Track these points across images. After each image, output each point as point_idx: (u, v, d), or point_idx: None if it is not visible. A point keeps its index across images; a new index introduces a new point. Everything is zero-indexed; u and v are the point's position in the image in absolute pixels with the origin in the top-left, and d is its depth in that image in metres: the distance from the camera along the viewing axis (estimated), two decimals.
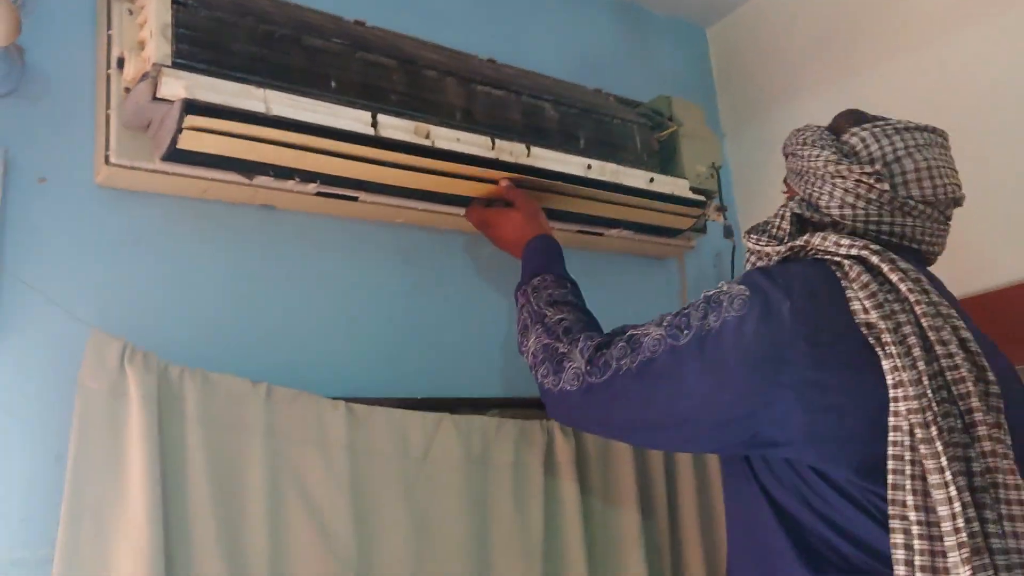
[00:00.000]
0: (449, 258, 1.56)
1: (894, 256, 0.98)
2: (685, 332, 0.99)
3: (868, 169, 1.03)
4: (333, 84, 1.29)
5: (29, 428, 1.08)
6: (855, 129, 1.09)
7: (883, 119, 1.10)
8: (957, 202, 1.09)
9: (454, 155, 1.35)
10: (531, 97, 1.54)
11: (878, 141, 1.06)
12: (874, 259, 0.97)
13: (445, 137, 1.35)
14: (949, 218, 1.09)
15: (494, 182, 1.41)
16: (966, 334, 0.94)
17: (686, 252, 1.90)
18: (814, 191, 1.08)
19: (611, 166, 1.56)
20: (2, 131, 1.15)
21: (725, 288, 1.00)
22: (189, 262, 1.27)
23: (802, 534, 0.95)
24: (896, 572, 0.85)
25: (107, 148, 1.17)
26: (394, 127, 1.30)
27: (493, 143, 1.41)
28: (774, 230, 1.09)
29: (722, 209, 1.78)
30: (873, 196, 1.04)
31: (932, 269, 1.10)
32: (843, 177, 1.05)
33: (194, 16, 1.17)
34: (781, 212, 1.11)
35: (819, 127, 1.13)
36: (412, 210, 1.44)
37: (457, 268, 1.56)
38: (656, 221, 1.69)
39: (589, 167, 1.52)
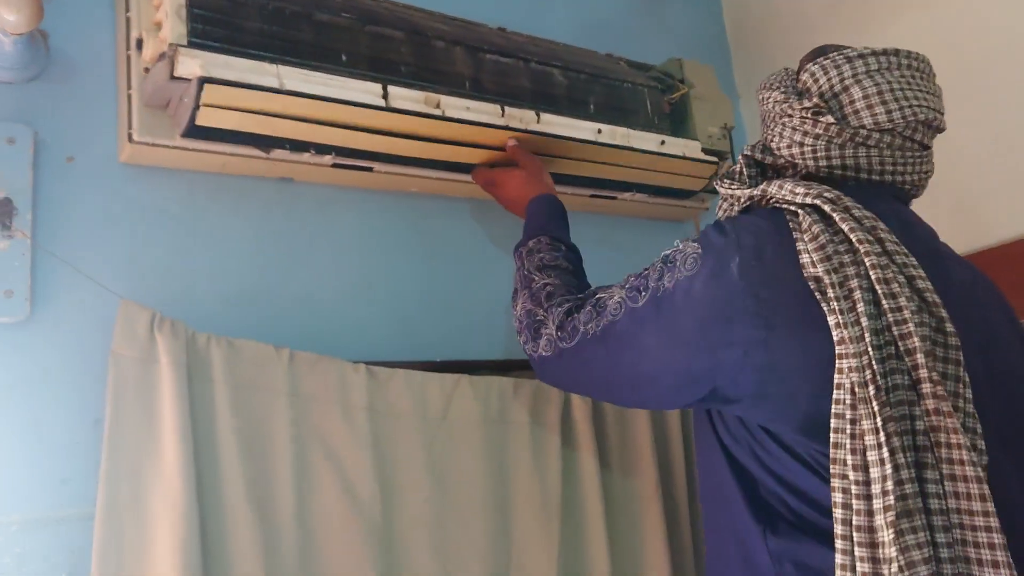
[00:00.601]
0: (463, 224, 1.59)
1: (849, 203, 0.94)
2: (643, 294, 1.00)
3: (807, 103, 1.00)
4: (344, 58, 1.32)
5: (67, 395, 1.14)
6: (808, 65, 1.05)
7: (841, 49, 1.04)
8: (932, 126, 1.02)
9: (464, 123, 1.38)
10: (540, 64, 1.56)
11: (826, 73, 1.01)
12: (826, 207, 0.93)
13: (455, 106, 1.38)
14: (926, 145, 1.03)
15: (504, 150, 1.44)
16: (923, 283, 0.90)
17: (701, 214, 1.92)
18: (768, 134, 1.06)
19: (621, 130, 1.58)
20: (31, 113, 1.20)
21: (680, 247, 1.00)
22: (211, 234, 1.32)
23: (755, 488, 0.97)
24: (835, 531, 0.84)
25: (129, 127, 1.22)
26: (404, 98, 1.33)
27: (503, 111, 1.44)
28: (738, 176, 1.07)
29: None
30: (820, 131, 0.99)
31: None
32: (789, 116, 1.02)
33: None
34: (740, 161, 1.09)
35: (786, 69, 1.10)
36: (425, 179, 1.48)
37: (471, 234, 1.60)
38: (669, 183, 1.71)
39: (599, 131, 1.54)
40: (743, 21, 2.22)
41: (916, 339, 0.86)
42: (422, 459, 1.33)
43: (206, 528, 1.13)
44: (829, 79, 1.01)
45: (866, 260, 0.90)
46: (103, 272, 1.20)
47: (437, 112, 1.36)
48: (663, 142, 1.65)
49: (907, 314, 0.87)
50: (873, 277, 0.89)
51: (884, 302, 0.88)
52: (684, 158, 1.68)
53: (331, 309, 1.41)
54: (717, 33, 2.24)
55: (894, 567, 0.79)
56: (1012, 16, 1.67)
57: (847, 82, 1.00)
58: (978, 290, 1.01)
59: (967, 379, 0.87)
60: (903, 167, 1.02)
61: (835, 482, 0.85)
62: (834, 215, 0.93)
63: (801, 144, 1.01)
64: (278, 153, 1.30)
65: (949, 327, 0.88)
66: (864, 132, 0.98)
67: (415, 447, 1.32)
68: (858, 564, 0.82)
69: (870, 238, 0.91)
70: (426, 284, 1.52)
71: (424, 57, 1.41)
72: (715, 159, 1.74)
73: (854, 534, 0.83)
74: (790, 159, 1.03)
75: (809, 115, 0.99)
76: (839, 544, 0.84)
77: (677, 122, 1.76)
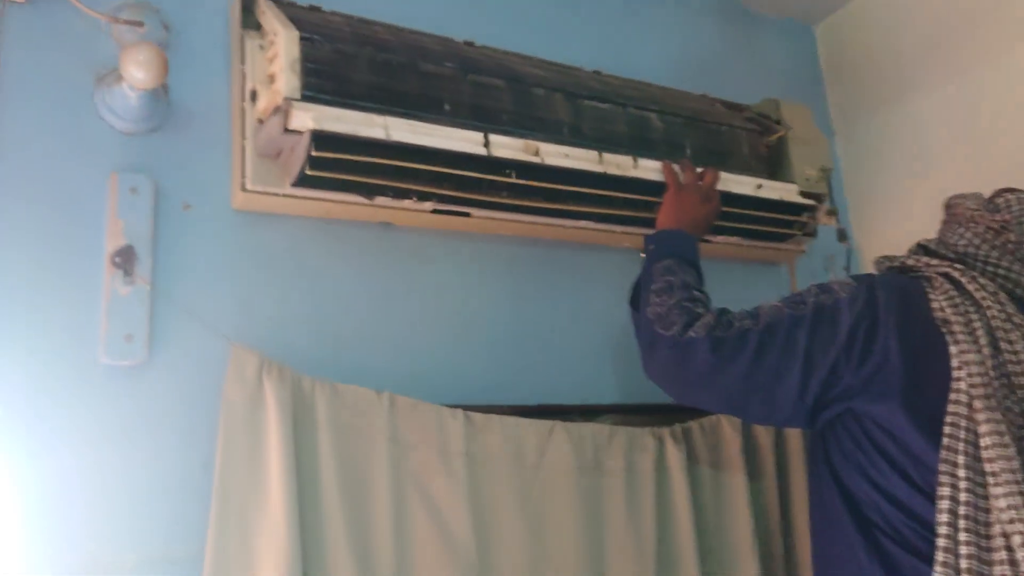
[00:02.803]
0: (557, 268, 1.60)
1: (976, 275, 1.14)
2: (802, 307, 1.16)
3: (998, 217, 1.19)
4: (447, 107, 1.34)
5: (179, 437, 1.18)
6: (1005, 194, 1.25)
7: None
8: None
9: (563, 171, 1.39)
10: (637, 108, 1.56)
11: (1020, 204, 1.22)
12: (956, 274, 1.15)
13: (554, 153, 1.40)
14: None
15: (603, 196, 1.44)
16: None
17: (797, 257, 1.88)
18: (948, 231, 1.25)
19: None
20: (152, 163, 1.26)
21: (834, 279, 1.21)
22: (315, 278, 1.35)
23: (859, 506, 1.10)
24: (939, 519, 1.00)
25: (243, 176, 1.26)
26: (505, 146, 1.35)
27: (600, 157, 1.44)
28: (900, 258, 1.26)
29: (833, 212, 1.75)
30: (998, 243, 1.18)
31: None
32: (975, 222, 1.21)
33: (319, 50, 1.25)
34: (912, 247, 1.28)
35: (980, 193, 1.28)
36: (522, 223, 1.49)
37: (564, 278, 1.60)
38: (765, 227, 1.68)
39: None
40: (838, 58, 2.18)
41: None
42: (517, 505, 1.33)
43: (308, 570, 1.15)
44: (1022, 208, 1.21)
45: (987, 312, 1.09)
46: (215, 316, 1.24)
47: (536, 160, 1.37)
48: (760, 186, 1.63)
49: (1023, 357, 1.06)
50: (993, 325, 1.08)
51: (1002, 345, 1.07)
52: (781, 202, 1.65)
53: (428, 352, 1.42)
54: (811, 70, 2.20)
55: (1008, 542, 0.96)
56: None
57: None
58: None
59: None
60: None
61: (944, 478, 1.00)
62: (962, 279, 1.13)
63: (978, 247, 1.19)
64: (381, 200, 1.33)
65: None
66: None
67: (511, 493, 1.32)
68: (962, 548, 0.98)
69: (993, 299, 1.11)
70: (521, 328, 1.52)
71: (524, 104, 1.43)
72: (813, 202, 1.71)
73: (960, 522, 0.98)
74: (962, 255, 1.20)
75: (996, 227, 1.19)
76: (941, 538, 0.99)
77: (774, 164, 1.73)
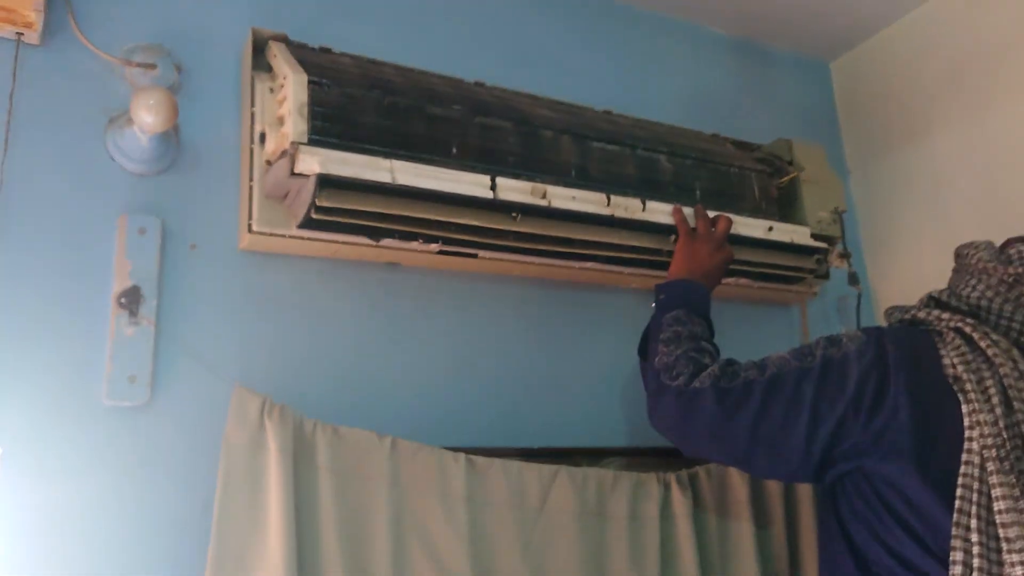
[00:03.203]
0: (565, 309, 1.59)
1: (989, 330, 1.12)
2: (809, 358, 1.15)
3: (1011, 270, 1.17)
4: (454, 150, 1.35)
5: (179, 478, 1.19)
6: (1017, 244, 1.23)
7: None
8: None
9: (570, 213, 1.39)
10: (646, 150, 1.56)
11: None
12: (967, 330, 1.12)
13: (561, 196, 1.39)
14: None
15: (609, 243, 1.44)
16: None
17: (808, 298, 1.86)
18: (961, 282, 1.22)
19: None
20: (160, 204, 1.27)
21: (845, 331, 1.20)
22: (320, 318, 1.36)
23: (868, 565, 1.09)
24: None
25: (250, 217, 1.27)
26: (512, 189, 1.35)
27: (608, 200, 1.43)
28: (912, 310, 1.24)
29: (845, 255, 1.74)
30: (1011, 296, 1.16)
31: None
32: (988, 274, 1.19)
33: (328, 93, 1.26)
34: (923, 298, 1.26)
35: (991, 242, 1.27)
36: (529, 264, 1.49)
37: (571, 319, 1.60)
38: (777, 269, 1.66)
39: None
40: (854, 96, 2.17)
41: None
42: (519, 550, 1.31)
43: None
44: None
45: (1000, 370, 1.07)
46: (219, 356, 1.24)
47: (543, 203, 1.37)
48: (771, 228, 1.62)
49: None
50: (1006, 383, 1.06)
51: (1015, 404, 1.04)
52: (792, 245, 1.63)
53: (434, 393, 1.42)
54: (827, 108, 2.19)
55: None
56: None
57: None
58: None
59: None
60: None
61: (956, 543, 0.98)
62: (974, 335, 1.11)
63: (991, 300, 1.18)
64: (387, 242, 1.33)
65: None
66: None
67: (512, 538, 1.31)
68: None
69: (1005, 355, 1.09)
70: (527, 369, 1.52)
71: (532, 147, 1.43)
72: (825, 244, 1.69)
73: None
74: (975, 308, 1.18)
75: (1009, 279, 1.17)
76: None
77: (786, 206, 1.72)
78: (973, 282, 1.21)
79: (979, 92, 1.87)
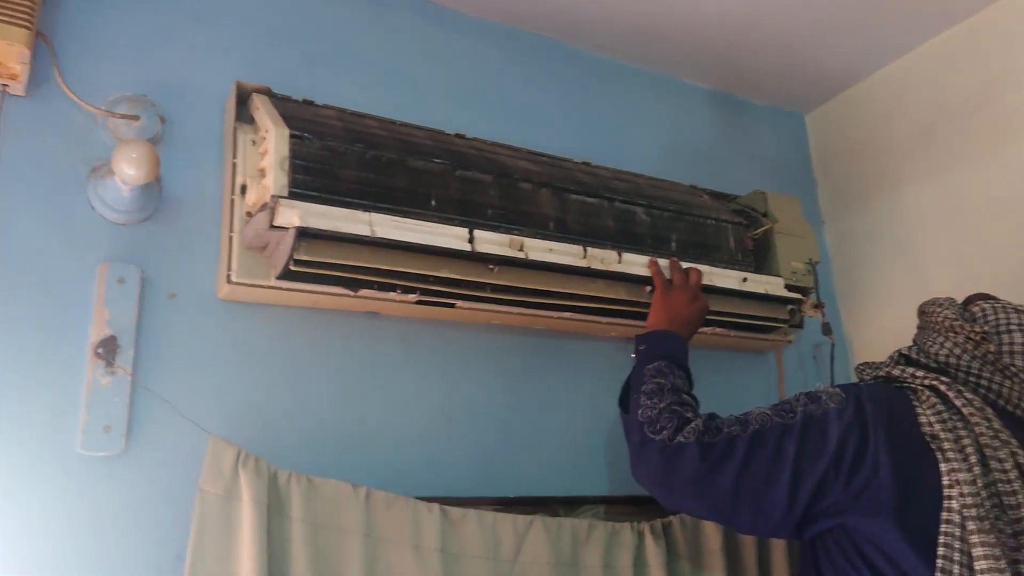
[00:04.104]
0: (542, 359, 1.61)
1: (963, 388, 1.15)
2: (790, 415, 1.16)
3: (978, 328, 1.21)
4: (433, 202, 1.37)
5: (152, 529, 1.18)
6: (980, 302, 1.28)
7: (1007, 300, 1.28)
8: None
9: (547, 265, 1.41)
10: (623, 202, 1.59)
11: (996, 313, 1.25)
12: (942, 388, 1.16)
13: (538, 248, 1.42)
14: None
15: (586, 294, 1.46)
16: (1022, 459, 1.08)
17: (783, 347, 1.89)
18: (928, 340, 1.26)
19: (703, 268, 1.58)
20: (140, 253, 1.28)
21: (823, 389, 1.20)
22: (297, 368, 1.36)
23: None
24: None
25: (229, 268, 1.28)
26: (489, 241, 1.37)
27: (585, 252, 1.46)
28: (881, 367, 1.27)
29: (819, 306, 1.76)
30: (979, 353, 1.20)
31: None
32: (955, 332, 1.23)
33: (309, 147, 1.28)
34: (893, 354, 1.28)
35: (953, 299, 1.31)
36: (507, 314, 1.50)
37: (551, 367, 1.61)
38: (752, 319, 1.69)
39: None
40: (828, 147, 2.22)
41: (1021, 497, 1.05)
42: None
43: None
44: (997, 318, 1.24)
45: (976, 429, 1.10)
46: (196, 406, 1.25)
47: (521, 255, 1.39)
48: (745, 279, 1.64)
49: (1012, 476, 1.06)
50: (982, 442, 1.09)
51: (991, 463, 1.07)
52: (767, 295, 1.66)
53: (411, 443, 1.43)
54: (803, 158, 2.24)
55: None
56: None
57: (1011, 327, 1.23)
58: None
59: None
60: None
61: None
62: (949, 393, 1.14)
63: (959, 358, 1.21)
64: (366, 292, 1.35)
65: None
66: (1013, 369, 1.19)
67: None
68: None
69: (980, 414, 1.12)
70: (503, 418, 1.53)
71: (511, 199, 1.45)
72: (799, 295, 1.72)
73: None
74: (944, 365, 1.21)
75: (976, 338, 1.21)
76: None
77: (761, 257, 1.75)
78: (940, 340, 1.24)
79: (949, 147, 1.91)
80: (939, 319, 1.27)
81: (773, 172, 2.13)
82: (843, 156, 2.17)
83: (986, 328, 1.22)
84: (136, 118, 1.30)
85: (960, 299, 1.32)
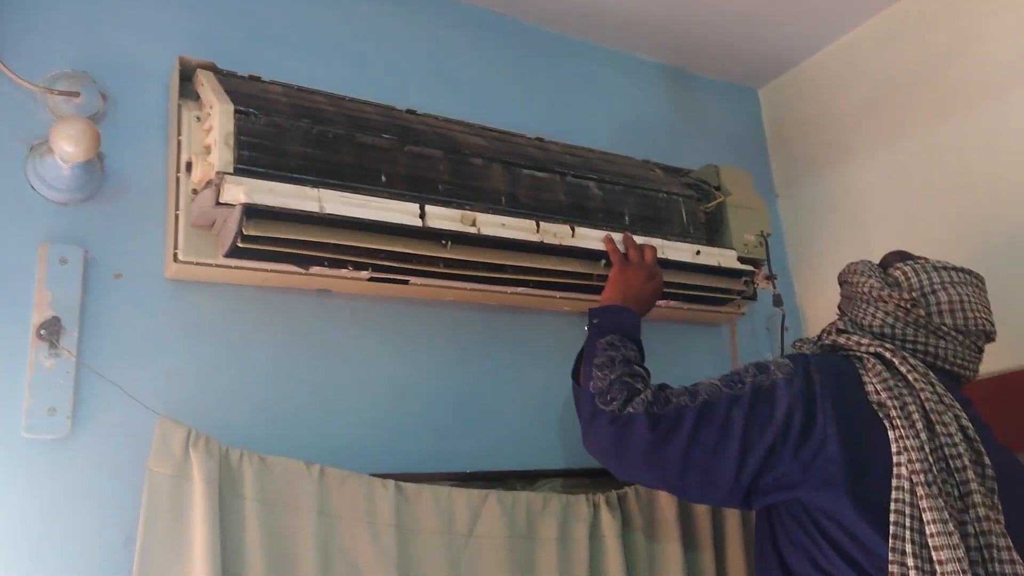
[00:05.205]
0: (497, 334, 1.61)
1: (907, 355, 1.17)
2: (739, 386, 1.17)
3: (906, 296, 1.23)
4: (383, 178, 1.36)
5: (101, 512, 1.17)
6: (899, 264, 1.29)
7: (924, 258, 1.30)
8: (988, 336, 1.26)
9: (500, 240, 1.41)
10: (575, 177, 1.59)
11: (917, 275, 1.26)
12: (887, 355, 1.18)
13: (490, 223, 1.41)
14: (981, 349, 1.27)
15: (540, 268, 1.47)
16: (966, 423, 1.12)
17: (736, 319, 1.91)
18: (859, 312, 1.28)
19: (655, 241, 1.59)
20: (84, 233, 1.26)
21: (772, 359, 1.21)
22: (249, 347, 1.35)
23: None
24: None
25: (176, 246, 1.27)
26: (441, 216, 1.37)
27: (538, 226, 1.46)
28: (820, 339, 1.29)
29: (771, 277, 1.79)
30: (910, 319, 1.23)
31: None
32: (884, 301, 1.25)
33: (255, 123, 1.27)
34: (828, 328, 1.30)
35: (870, 262, 1.33)
36: (461, 289, 1.50)
37: (505, 343, 1.62)
38: (705, 291, 1.71)
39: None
40: (781, 121, 2.24)
41: (966, 460, 1.08)
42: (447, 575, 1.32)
43: None
44: (920, 281, 1.26)
45: (921, 395, 1.13)
46: (144, 387, 1.23)
47: (473, 230, 1.39)
48: (698, 252, 1.66)
49: (957, 439, 1.09)
50: (927, 407, 1.12)
51: (937, 427, 1.10)
52: (719, 268, 1.68)
53: (365, 419, 1.42)
54: (756, 133, 2.26)
55: None
56: None
57: (935, 287, 1.25)
58: (998, 447, 1.19)
59: (1000, 506, 1.07)
60: (964, 362, 1.25)
61: (893, 568, 1.01)
62: (894, 360, 1.17)
63: (892, 327, 1.24)
64: (317, 270, 1.34)
65: (987, 460, 1.10)
66: (945, 329, 1.23)
67: (441, 564, 1.32)
68: None
69: (924, 379, 1.15)
70: (458, 394, 1.53)
71: (462, 175, 1.45)
72: (751, 267, 1.74)
73: None
74: (879, 335, 1.24)
75: (906, 305, 1.23)
76: None
77: (713, 230, 1.77)
78: (871, 311, 1.26)
79: (895, 120, 1.94)
80: (865, 289, 1.29)
81: (727, 147, 2.14)
82: (795, 130, 2.19)
83: (913, 294, 1.24)
84: (76, 95, 1.27)
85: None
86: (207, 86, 1.30)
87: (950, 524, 1.01)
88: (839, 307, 1.35)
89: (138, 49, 1.39)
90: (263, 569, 1.18)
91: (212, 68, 1.36)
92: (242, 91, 1.32)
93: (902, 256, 1.32)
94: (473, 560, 1.35)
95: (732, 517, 1.59)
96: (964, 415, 1.13)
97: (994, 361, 1.45)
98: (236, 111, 1.25)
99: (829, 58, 2.12)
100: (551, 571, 1.40)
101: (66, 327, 1.19)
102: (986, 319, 1.25)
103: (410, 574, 1.29)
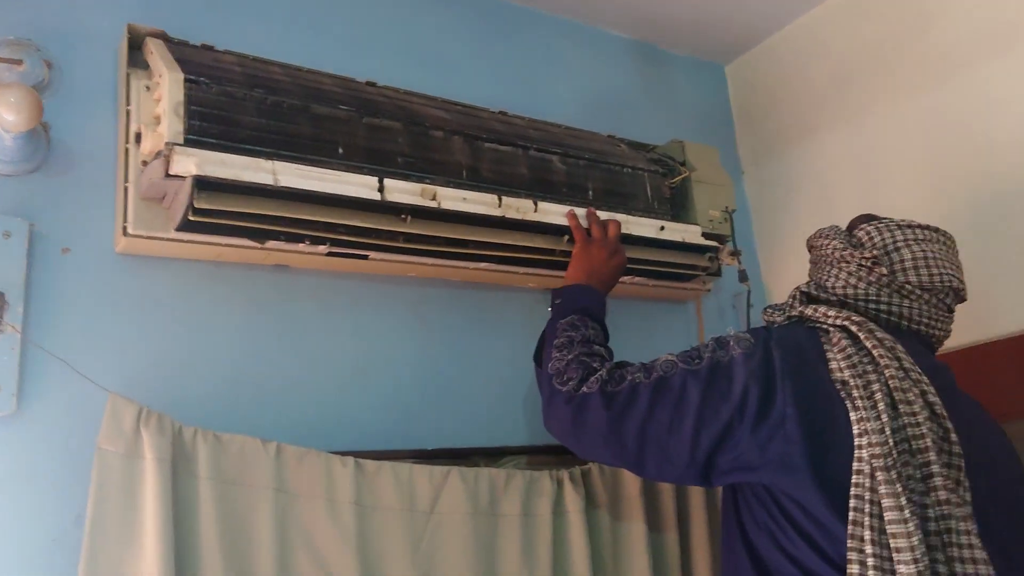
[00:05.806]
0: (460, 310, 1.59)
1: (873, 327, 1.13)
2: (696, 361, 1.15)
3: (867, 254, 1.21)
4: (340, 150, 1.33)
5: (50, 491, 1.14)
6: (863, 225, 1.27)
7: (888, 218, 1.27)
8: (958, 293, 1.23)
9: (461, 215, 1.39)
10: (539, 151, 1.57)
11: (880, 234, 1.24)
12: (853, 328, 1.13)
13: (451, 197, 1.39)
14: (951, 308, 1.24)
15: (503, 244, 1.45)
16: (933, 398, 1.08)
17: (703, 295, 1.91)
18: (823, 274, 1.26)
19: (620, 216, 1.57)
20: (29, 206, 1.22)
21: (733, 333, 1.18)
22: (204, 323, 1.32)
23: (768, 571, 1.10)
24: None
25: (125, 220, 1.23)
26: (401, 190, 1.34)
27: (500, 200, 1.44)
28: (787, 309, 1.26)
29: (736, 253, 1.78)
30: (873, 279, 1.21)
31: None
32: (847, 262, 1.23)
33: (206, 92, 1.23)
34: (793, 293, 1.28)
35: (837, 226, 1.31)
36: (422, 265, 1.48)
37: (468, 320, 1.60)
38: (670, 267, 1.70)
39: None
40: (747, 98, 2.23)
41: (928, 441, 1.03)
42: (408, 554, 1.31)
43: None
44: (883, 239, 1.23)
45: (886, 372, 1.08)
46: (94, 364, 1.20)
47: (433, 204, 1.36)
48: (662, 228, 1.65)
49: (920, 419, 1.05)
50: (891, 385, 1.07)
51: (901, 407, 1.05)
52: (684, 244, 1.67)
53: (325, 397, 1.40)
54: (723, 109, 2.25)
55: None
56: (1018, 96, 1.66)
57: (899, 244, 1.22)
58: (980, 419, 1.18)
59: (967, 484, 1.04)
60: (932, 321, 1.22)
61: (852, 555, 0.99)
62: (860, 334, 1.12)
63: (855, 287, 1.21)
64: (273, 244, 1.31)
65: (953, 437, 1.06)
66: (909, 287, 1.20)
67: (402, 542, 1.30)
68: None
69: (890, 355, 1.09)
70: (421, 371, 1.51)
71: (422, 147, 1.42)
72: (716, 243, 1.73)
73: None
74: (843, 297, 1.22)
75: (868, 264, 1.21)
76: None
77: (678, 206, 1.75)
78: (835, 272, 1.24)
79: (860, 95, 1.94)
80: (828, 251, 1.26)
81: (693, 123, 2.13)
82: (762, 106, 2.19)
83: (875, 252, 1.21)
84: (19, 63, 1.23)
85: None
86: (156, 55, 1.26)
87: (906, 511, 0.97)
88: (809, 274, 1.33)
89: (85, 16, 1.34)
90: (218, 548, 1.16)
91: (162, 36, 1.32)
92: (193, 60, 1.28)
93: (868, 218, 1.30)
94: (435, 537, 1.33)
95: (696, 493, 1.59)
96: (931, 389, 1.09)
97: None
98: (186, 80, 1.21)
99: (796, 32, 2.11)
100: (514, 547, 1.39)
101: (10, 303, 1.15)
102: (953, 275, 1.21)
103: (369, 552, 1.27)
